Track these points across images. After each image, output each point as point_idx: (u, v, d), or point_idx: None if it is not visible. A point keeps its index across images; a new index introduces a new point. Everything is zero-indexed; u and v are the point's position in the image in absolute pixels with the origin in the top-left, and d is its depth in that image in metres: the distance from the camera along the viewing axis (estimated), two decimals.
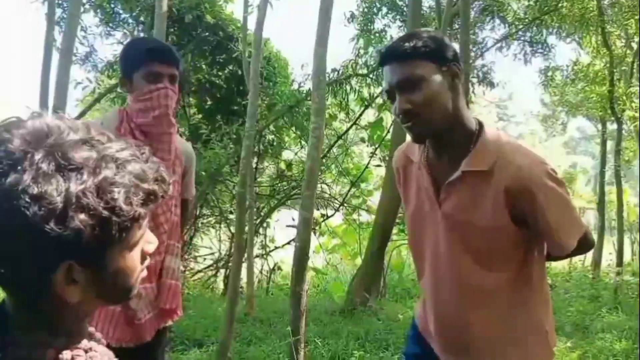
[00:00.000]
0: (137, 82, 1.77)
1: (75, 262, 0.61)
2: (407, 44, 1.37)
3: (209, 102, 8.18)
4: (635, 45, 7.46)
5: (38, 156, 0.57)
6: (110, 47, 8.11)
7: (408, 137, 1.50)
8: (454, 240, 1.44)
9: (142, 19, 7.47)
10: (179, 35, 7.42)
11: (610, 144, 10.20)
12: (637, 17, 7.08)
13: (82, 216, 0.57)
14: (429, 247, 1.52)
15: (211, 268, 8.48)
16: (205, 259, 8.66)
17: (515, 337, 1.46)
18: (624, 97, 6.71)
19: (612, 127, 9.96)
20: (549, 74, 8.81)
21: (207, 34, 7.67)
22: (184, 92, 7.87)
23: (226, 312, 3.93)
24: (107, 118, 1.90)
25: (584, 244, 1.49)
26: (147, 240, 0.71)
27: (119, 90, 7.61)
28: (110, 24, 7.49)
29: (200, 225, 8.23)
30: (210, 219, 8.57)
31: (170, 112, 1.78)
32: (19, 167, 0.57)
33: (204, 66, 7.95)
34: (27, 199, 0.55)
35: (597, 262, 8.53)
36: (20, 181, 0.56)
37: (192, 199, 2.29)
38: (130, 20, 7.65)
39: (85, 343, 0.69)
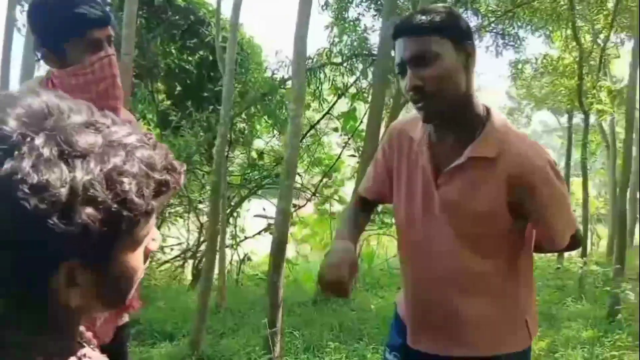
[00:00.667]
0: (73, 53, 1.47)
1: (78, 263, 0.54)
2: (424, 18, 1.31)
3: (178, 88, 7.97)
4: (600, 42, 7.63)
5: (38, 141, 0.50)
6: None
7: (403, 117, 1.44)
8: (449, 225, 1.41)
9: (109, 0, 7.18)
10: (148, 19, 7.18)
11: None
12: (605, 13, 7.24)
13: (90, 210, 0.51)
14: (419, 229, 1.48)
15: (178, 258, 8.31)
16: (172, 249, 8.47)
17: (500, 323, 1.45)
18: (594, 91, 6.85)
19: (574, 120, 10.23)
20: (519, 66, 8.93)
21: (177, 17, 7.45)
22: (153, 77, 7.63)
23: (198, 304, 3.83)
24: (28, 87, 1.63)
25: (574, 242, 1.49)
26: (151, 237, 0.63)
27: None
28: None
29: (167, 215, 8.03)
30: (178, 208, 8.37)
31: (118, 81, 1.53)
32: (17, 153, 0.49)
33: (173, 51, 7.72)
34: (26, 190, 0.48)
35: (560, 252, 8.76)
36: (19, 169, 0.49)
37: None
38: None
39: (79, 351, 0.61)
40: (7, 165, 0.49)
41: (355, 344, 4.20)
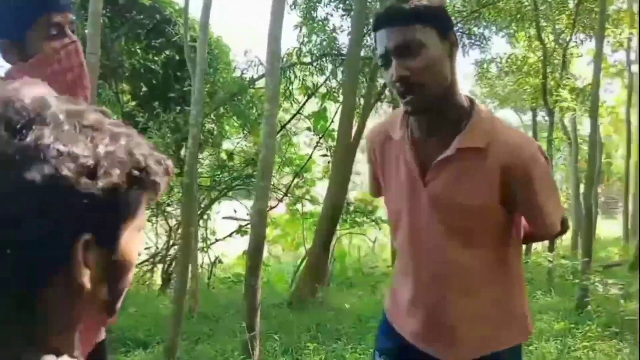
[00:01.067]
0: (34, 42, 1.36)
1: (93, 237, 0.53)
2: (407, 7, 1.28)
3: (144, 89, 7.78)
4: (562, 41, 7.84)
5: (61, 115, 0.51)
6: None
7: (377, 120, 1.43)
8: (437, 218, 1.38)
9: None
10: (112, 18, 6.97)
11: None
12: (567, 13, 7.44)
13: (117, 171, 0.53)
14: (410, 229, 1.46)
15: (147, 263, 8.11)
16: (140, 253, 8.25)
17: (494, 319, 1.44)
18: (559, 89, 7.04)
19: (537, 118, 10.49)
20: (485, 66, 9.09)
21: (142, 16, 7.26)
22: (117, 78, 7.43)
23: (173, 309, 3.73)
24: None
25: (562, 228, 1.49)
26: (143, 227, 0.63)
27: None
28: None
29: None
30: (145, 211, 8.17)
31: (86, 70, 1.43)
32: (39, 123, 0.50)
33: (138, 51, 7.53)
34: (54, 153, 0.49)
35: (528, 246, 8.97)
36: (43, 136, 0.49)
37: None
38: None
39: None
40: (33, 132, 0.49)
41: (334, 344, 4.17)
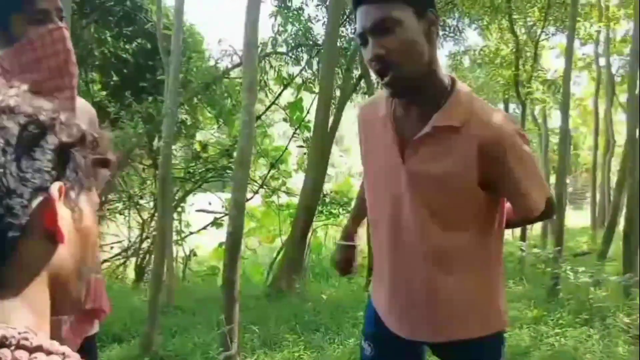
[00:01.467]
0: (18, 27, 1.35)
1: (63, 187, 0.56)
2: None
3: (114, 78, 7.58)
4: (537, 32, 7.96)
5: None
6: None
7: (353, 111, 1.43)
8: (416, 198, 1.38)
9: None
10: (80, 4, 6.75)
11: None
12: (539, 6, 7.55)
13: (75, 129, 0.58)
14: (388, 208, 1.45)
15: (119, 257, 7.96)
16: (112, 247, 8.09)
17: (475, 303, 1.44)
18: (531, 81, 7.15)
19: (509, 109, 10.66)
20: (458, 58, 9.17)
21: (112, 3, 7.07)
22: (87, 66, 7.22)
23: (149, 303, 3.66)
24: None
25: (548, 209, 1.48)
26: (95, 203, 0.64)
27: None
28: None
29: (107, 211, 7.65)
30: (117, 204, 8.00)
31: (73, 57, 1.39)
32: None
33: (109, 39, 7.33)
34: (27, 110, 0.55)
35: None
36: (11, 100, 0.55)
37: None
38: None
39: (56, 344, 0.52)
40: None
41: (312, 336, 4.17)
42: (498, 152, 1.29)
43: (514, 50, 7.51)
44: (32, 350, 0.49)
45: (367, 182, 1.54)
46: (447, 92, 1.35)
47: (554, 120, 11.87)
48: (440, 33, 8.42)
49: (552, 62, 10.04)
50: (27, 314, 0.54)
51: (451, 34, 8.24)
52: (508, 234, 9.37)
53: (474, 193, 1.34)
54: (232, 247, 3.23)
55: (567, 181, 8.76)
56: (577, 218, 14.99)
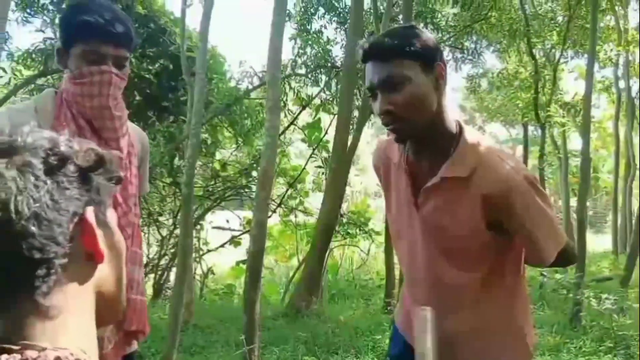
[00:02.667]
0: (74, 59, 1.43)
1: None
2: (390, 42, 1.30)
3: (137, 98, 7.74)
4: (557, 55, 7.96)
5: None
6: (28, 35, 7.45)
7: (381, 137, 1.48)
8: (430, 242, 1.42)
9: (64, 5, 6.92)
10: None
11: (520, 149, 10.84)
12: (557, 30, 7.57)
13: (87, 156, 0.61)
14: (407, 249, 1.51)
15: None
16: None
17: (491, 334, 1.45)
18: (552, 104, 7.13)
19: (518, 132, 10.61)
20: (476, 80, 9.20)
21: (137, 25, 7.25)
22: None
23: (170, 320, 3.68)
24: (41, 104, 1.51)
25: (565, 257, 1.46)
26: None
27: (37, 82, 7.01)
28: (28, 10, 6.85)
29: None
30: None
31: (111, 103, 1.45)
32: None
33: (132, 60, 7.50)
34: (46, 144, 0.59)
35: None
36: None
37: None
38: (50, 7, 7.05)
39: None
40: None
41: (330, 358, 4.15)
42: (502, 202, 1.30)
43: (532, 73, 7.51)
44: None
45: (388, 215, 1.59)
46: (455, 140, 1.36)
47: (574, 142, 11.77)
48: (458, 56, 8.50)
49: (571, 85, 9.99)
50: (77, 335, 0.57)
51: (469, 57, 8.28)
52: None
53: (485, 238, 1.36)
54: (254, 266, 3.25)
55: (587, 204, 8.64)
56: (598, 242, 14.72)
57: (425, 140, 1.37)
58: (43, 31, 6.83)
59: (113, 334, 1.55)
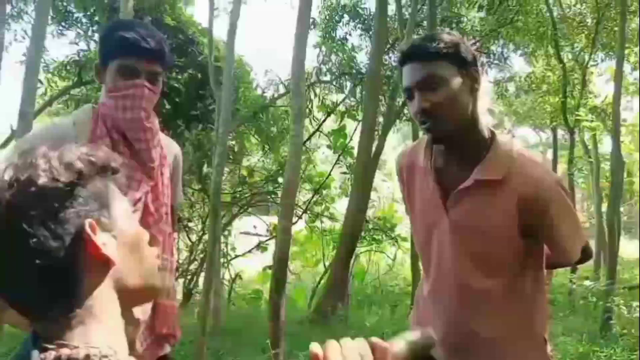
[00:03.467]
0: (111, 73, 1.53)
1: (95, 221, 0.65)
2: (430, 45, 1.36)
3: (167, 107, 7.94)
4: (585, 58, 7.82)
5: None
6: (62, 48, 7.74)
7: (396, 138, 1.51)
8: (459, 245, 1.44)
9: (97, 18, 7.16)
10: None
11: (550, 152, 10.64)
12: (586, 33, 7.45)
13: (68, 172, 0.66)
14: (434, 253, 1.52)
15: None
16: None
17: (512, 340, 1.47)
18: (580, 108, 7.02)
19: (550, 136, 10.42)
20: (503, 85, 9.10)
21: (166, 36, 7.44)
22: None
23: (198, 324, 3.78)
24: (79, 118, 1.61)
25: (585, 254, 1.53)
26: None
27: (72, 92, 7.27)
28: (63, 23, 7.12)
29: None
30: None
31: (143, 115, 1.54)
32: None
33: None
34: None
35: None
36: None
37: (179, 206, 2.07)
38: (84, 20, 7.32)
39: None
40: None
41: None
42: (538, 205, 1.34)
43: (560, 77, 7.40)
44: None
45: (413, 223, 1.62)
46: (487, 145, 1.41)
47: (605, 146, 11.50)
48: (485, 60, 8.43)
49: (602, 88, 9.79)
50: (105, 334, 0.64)
51: (495, 62, 8.21)
52: None
53: (514, 241, 1.39)
54: (279, 271, 3.32)
55: (621, 209, 8.45)
56: (632, 248, 14.30)
57: (457, 143, 1.41)
58: (77, 43, 7.09)
59: (145, 336, 1.63)
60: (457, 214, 1.42)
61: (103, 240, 0.65)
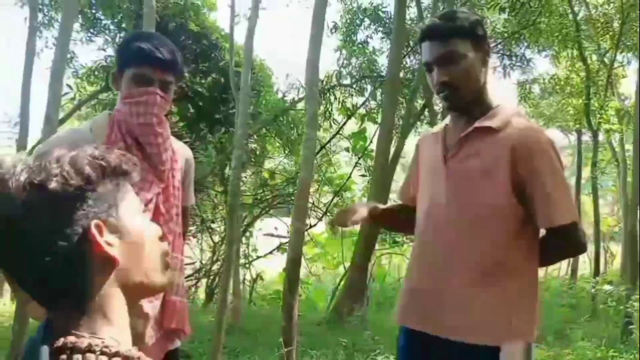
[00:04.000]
0: (126, 81, 1.64)
1: (101, 222, 0.71)
2: (447, 24, 1.51)
3: (191, 111, 8.13)
4: (607, 61, 7.70)
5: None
6: (91, 54, 8.00)
7: (415, 140, 1.61)
8: (452, 197, 1.52)
9: (124, 25, 7.40)
10: None
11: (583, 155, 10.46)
12: (611, 34, 7.32)
13: (78, 174, 0.71)
14: (426, 211, 1.60)
15: (192, 278, 8.37)
16: (185, 268, 8.54)
17: (485, 310, 1.48)
18: (602, 110, 6.91)
19: (583, 138, 10.24)
20: (527, 86, 9.01)
21: (190, 41, 7.64)
22: None
23: (215, 323, 3.89)
24: (96, 124, 1.73)
25: (574, 237, 1.50)
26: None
27: (100, 97, 7.52)
28: (92, 30, 7.38)
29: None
30: (191, 228, 8.47)
31: (154, 121, 1.63)
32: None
33: (186, 74, 7.89)
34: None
35: (574, 271, 8.73)
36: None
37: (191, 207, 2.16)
38: (111, 27, 7.57)
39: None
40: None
41: None
42: (529, 154, 1.44)
43: (584, 78, 7.29)
44: (111, 355, 0.67)
45: (419, 193, 1.68)
46: (492, 107, 1.56)
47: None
48: (507, 62, 8.37)
49: (630, 90, 9.56)
50: (110, 327, 0.72)
51: (518, 64, 8.14)
52: (583, 269, 8.94)
53: (506, 199, 1.45)
54: (292, 272, 3.40)
55: None
56: None
57: (467, 109, 1.55)
58: (104, 50, 7.33)
59: (155, 331, 1.73)
60: (454, 162, 1.53)
61: (109, 240, 0.71)
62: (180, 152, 1.84)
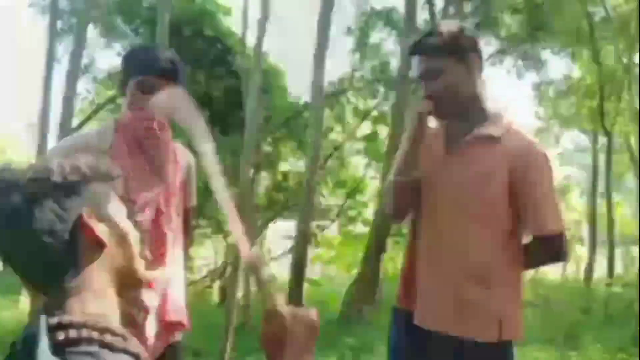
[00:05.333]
0: (130, 88, 1.73)
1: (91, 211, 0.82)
2: (430, 40, 1.55)
3: (206, 114, 8.25)
4: (625, 60, 7.60)
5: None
6: (109, 59, 8.21)
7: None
8: (453, 199, 1.57)
9: (141, 30, 7.57)
10: (177, 49, 7.49)
11: (601, 157, 10.31)
12: (625, 35, 7.24)
13: (73, 171, 0.83)
14: (428, 206, 1.64)
15: (206, 279, 8.51)
16: (200, 269, 8.70)
17: (467, 305, 1.54)
18: (616, 112, 6.83)
19: (602, 140, 10.09)
20: (542, 88, 8.94)
21: (205, 46, 7.77)
22: None
23: (225, 322, 3.98)
24: (102, 129, 1.83)
25: (559, 246, 1.58)
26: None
27: (118, 101, 7.70)
28: (110, 36, 7.57)
29: (195, 236, 8.26)
30: (206, 229, 8.61)
31: (155, 125, 1.73)
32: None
33: (202, 79, 8.02)
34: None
35: (588, 274, 8.60)
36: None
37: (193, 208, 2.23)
38: (129, 32, 7.75)
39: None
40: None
41: None
42: (526, 166, 1.51)
43: (597, 80, 7.22)
44: (101, 330, 0.77)
45: (422, 187, 1.72)
46: (490, 115, 1.59)
47: None
48: (520, 62, 8.33)
49: None
50: (99, 304, 0.82)
51: (532, 66, 8.09)
52: (599, 272, 8.81)
53: (502, 208, 1.52)
54: (296, 273, 3.47)
55: None
56: None
57: (462, 116, 1.59)
58: (121, 55, 7.49)
59: (155, 323, 1.80)
60: (455, 164, 1.58)
61: (98, 227, 0.83)
62: (182, 154, 1.92)
